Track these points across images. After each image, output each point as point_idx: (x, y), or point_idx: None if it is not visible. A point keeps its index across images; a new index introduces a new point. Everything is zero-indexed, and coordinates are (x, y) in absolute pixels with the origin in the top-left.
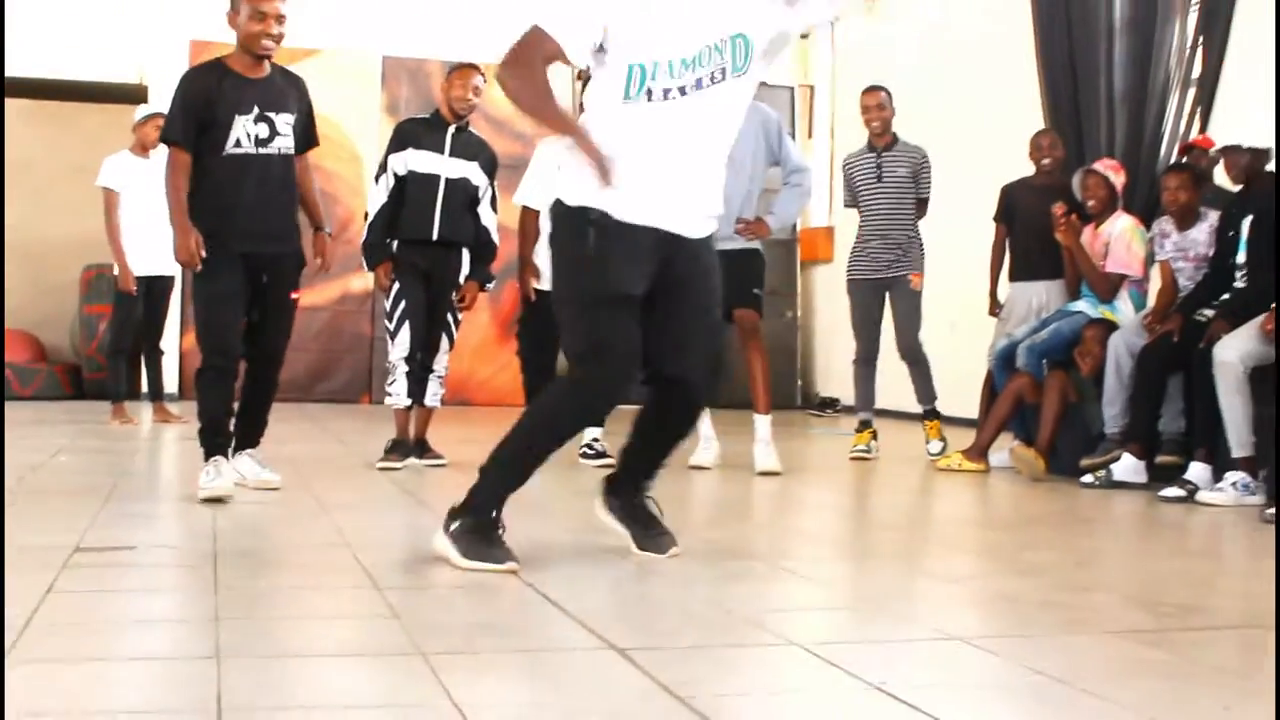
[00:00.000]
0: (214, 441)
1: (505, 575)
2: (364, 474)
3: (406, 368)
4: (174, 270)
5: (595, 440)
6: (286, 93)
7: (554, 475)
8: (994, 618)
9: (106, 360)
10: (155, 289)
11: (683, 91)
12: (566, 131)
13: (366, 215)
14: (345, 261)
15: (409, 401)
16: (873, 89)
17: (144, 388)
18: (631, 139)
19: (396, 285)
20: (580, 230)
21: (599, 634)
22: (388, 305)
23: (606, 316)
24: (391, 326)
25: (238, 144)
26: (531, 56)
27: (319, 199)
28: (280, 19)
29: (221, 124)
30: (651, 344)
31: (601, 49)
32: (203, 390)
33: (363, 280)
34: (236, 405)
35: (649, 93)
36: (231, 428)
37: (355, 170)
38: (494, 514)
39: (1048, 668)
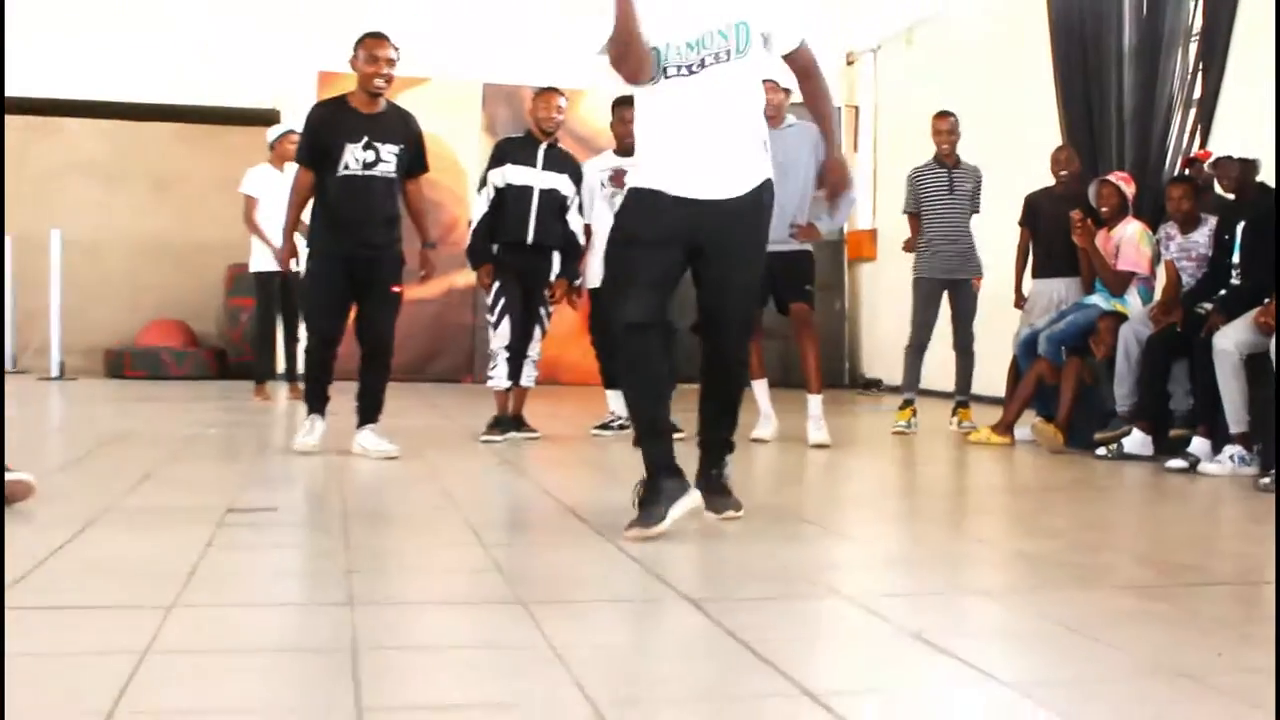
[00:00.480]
0: (311, 403)
1: (595, 535)
2: (468, 445)
3: (506, 354)
4: (300, 267)
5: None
6: (395, 126)
7: (629, 448)
8: (1015, 574)
9: (251, 345)
10: (287, 284)
11: (690, 70)
12: None
13: (470, 223)
14: (451, 260)
15: (509, 384)
16: (944, 114)
17: (280, 369)
18: (654, 115)
19: (497, 284)
20: (623, 202)
21: (673, 586)
22: (489, 301)
23: (624, 256)
24: (493, 319)
25: (346, 167)
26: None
27: (427, 216)
28: (390, 63)
29: (335, 150)
30: (700, 305)
31: None
32: (306, 363)
33: (466, 276)
34: (357, 388)
35: (664, 70)
36: (328, 394)
37: (459, 182)
38: (654, 473)
39: (1062, 617)
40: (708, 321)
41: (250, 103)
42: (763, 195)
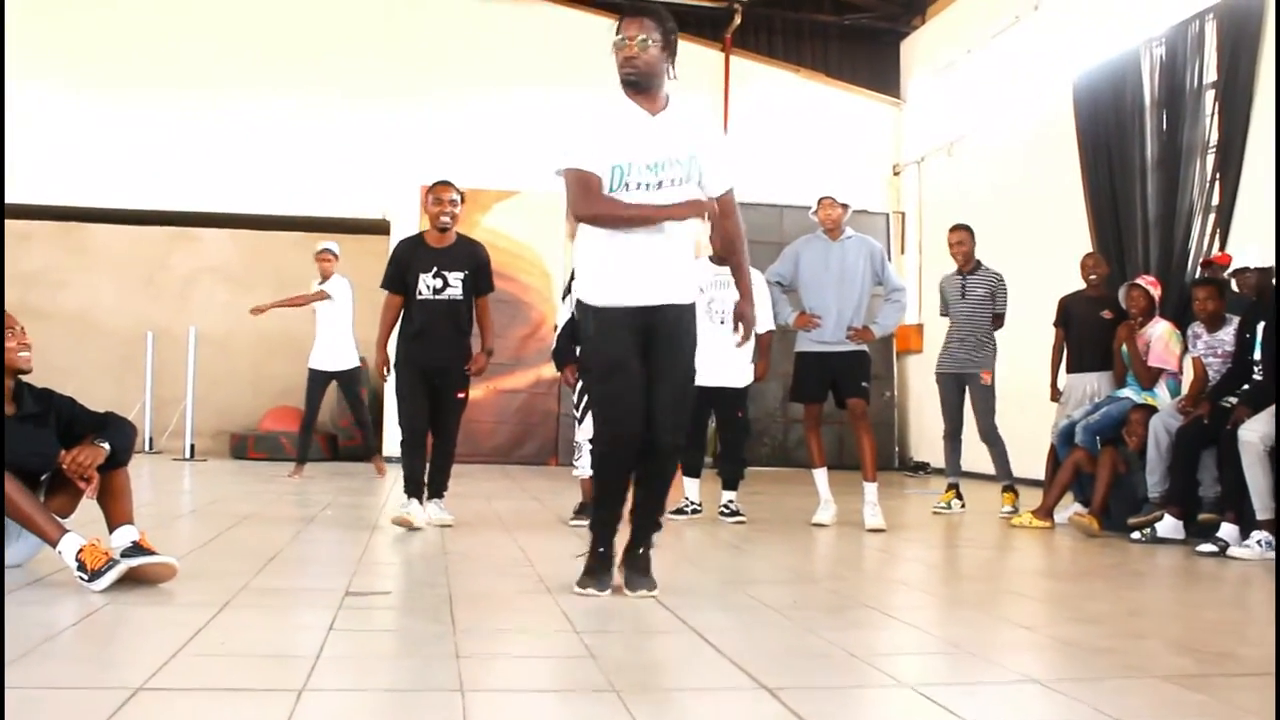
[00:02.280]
0: (408, 489)
1: (674, 619)
2: (557, 528)
3: (590, 446)
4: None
5: (730, 502)
6: (461, 256)
7: (702, 530)
8: (1062, 662)
9: (359, 429)
10: (350, 376)
11: (648, 187)
12: (659, 216)
13: (555, 327)
14: (538, 355)
15: (592, 472)
16: (954, 228)
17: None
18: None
19: (581, 382)
20: (584, 318)
21: (752, 675)
22: (574, 396)
23: (604, 384)
24: (578, 413)
25: (421, 293)
26: (587, 194)
27: (491, 328)
28: (453, 203)
29: (412, 279)
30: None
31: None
32: (402, 455)
33: (551, 369)
34: (428, 467)
35: (626, 185)
36: (423, 481)
37: (546, 284)
38: (600, 550)
39: (1109, 709)
40: (654, 407)
41: (361, 213)
42: (693, 308)
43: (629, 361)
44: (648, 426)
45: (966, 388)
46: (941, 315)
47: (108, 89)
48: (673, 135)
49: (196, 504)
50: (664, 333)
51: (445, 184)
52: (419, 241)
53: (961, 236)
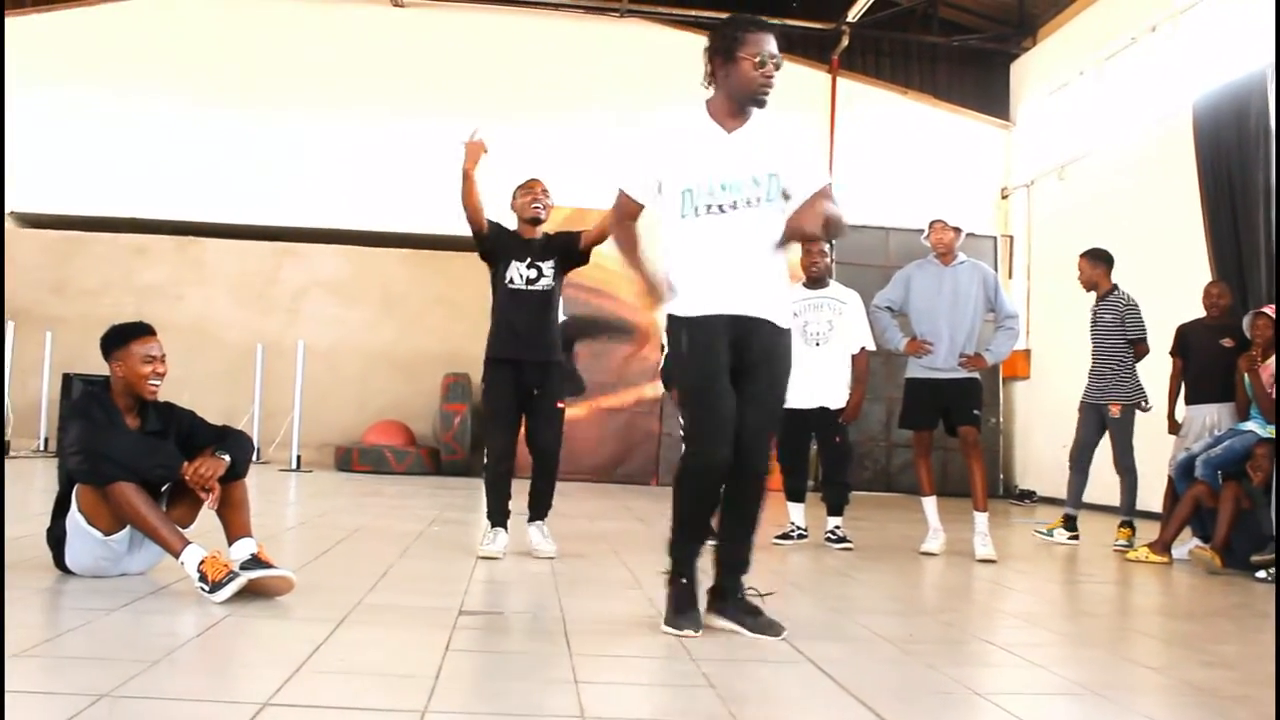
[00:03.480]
0: (493, 516)
1: (790, 649)
2: (662, 551)
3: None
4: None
5: (837, 528)
6: (549, 247)
7: (808, 556)
8: (1195, 709)
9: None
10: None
11: (721, 209)
12: (634, 268)
13: (663, 347)
14: (640, 373)
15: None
16: (1082, 255)
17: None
18: (690, 247)
19: None
20: (675, 332)
21: (876, 711)
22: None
23: (698, 402)
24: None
25: (511, 281)
26: (619, 218)
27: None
28: (545, 193)
29: (503, 264)
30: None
31: (660, 189)
32: (486, 482)
33: (654, 388)
34: (529, 488)
35: (696, 210)
36: (509, 509)
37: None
38: (684, 579)
39: None
40: (741, 430)
41: (464, 231)
42: (789, 333)
43: (720, 379)
44: (736, 449)
45: (1104, 419)
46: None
47: (224, 108)
48: (750, 153)
49: (306, 516)
50: (758, 352)
51: (533, 179)
52: (512, 232)
53: (1081, 265)
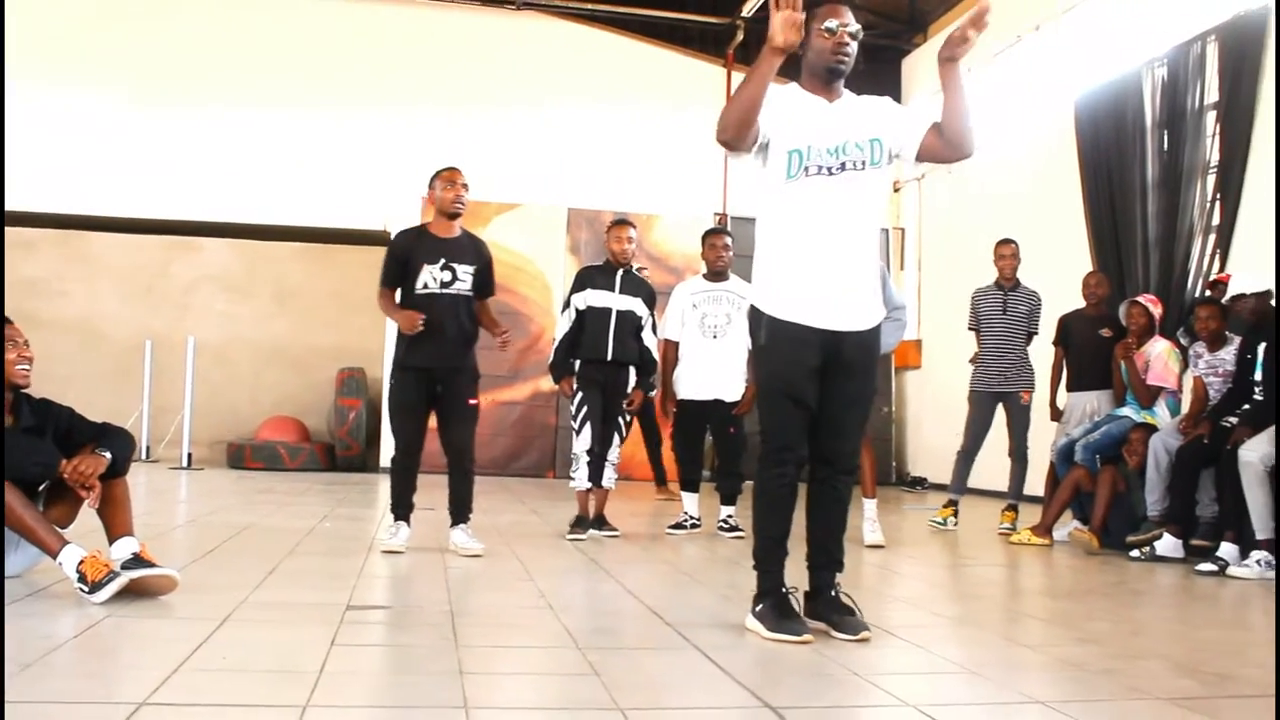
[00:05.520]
0: (396, 510)
1: (678, 637)
2: (555, 542)
3: (588, 458)
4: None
5: (729, 517)
6: (468, 250)
7: (700, 545)
8: (1066, 683)
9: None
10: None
11: (829, 171)
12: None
13: (553, 340)
14: (536, 367)
15: (589, 485)
16: (1006, 241)
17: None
18: (794, 213)
19: (580, 394)
20: (756, 326)
21: (756, 693)
22: (573, 409)
23: (774, 407)
24: (576, 425)
25: (426, 286)
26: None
27: (495, 319)
28: (465, 187)
29: (413, 270)
30: (823, 418)
31: (764, 148)
32: (391, 475)
33: (549, 381)
34: (448, 493)
35: (805, 170)
36: (412, 502)
37: (545, 296)
38: (783, 589)
39: None
40: (828, 433)
41: (361, 224)
42: (878, 330)
43: (801, 385)
44: (824, 450)
45: (1001, 406)
46: (970, 329)
47: (109, 98)
48: (852, 120)
49: (194, 514)
50: (850, 357)
51: (455, 169)
52: (422, 232)
53: (1014, 249)
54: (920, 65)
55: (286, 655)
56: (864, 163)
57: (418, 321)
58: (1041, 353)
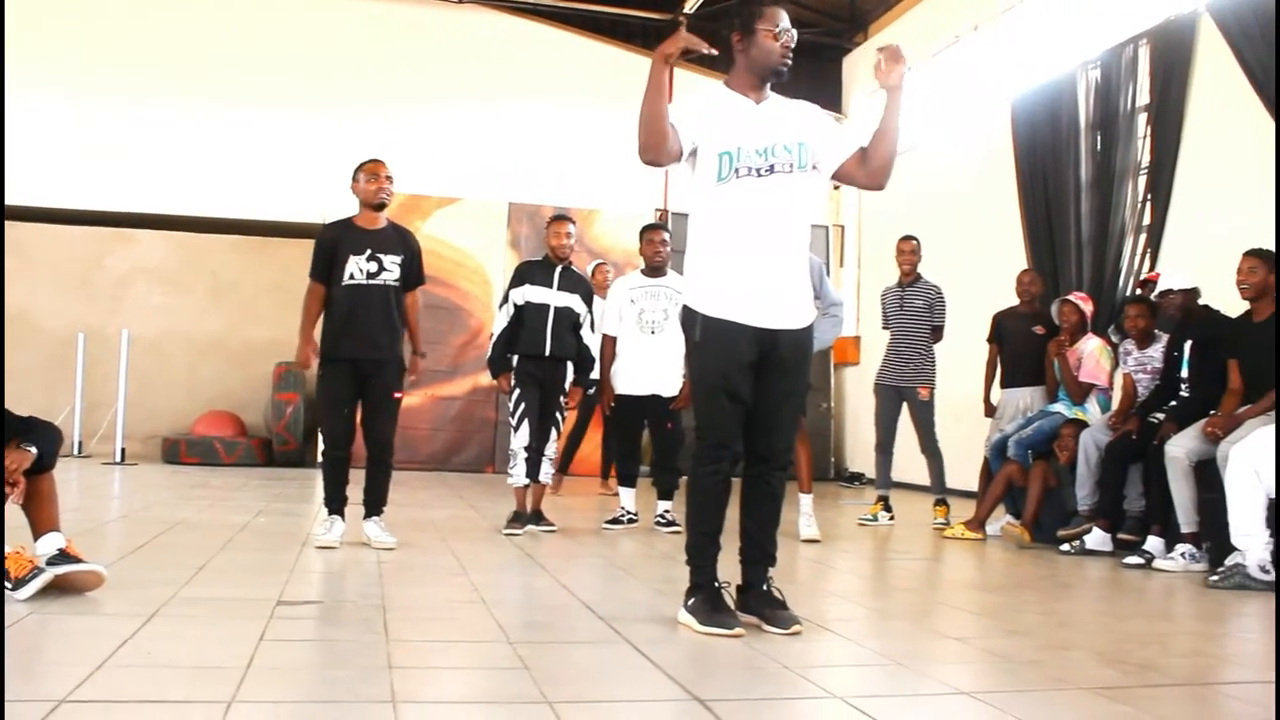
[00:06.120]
0: (330, 505)
1: (609, 630)
2: (492, 537)
3: (525, 454)
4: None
5: (666, 512)
6: (394, 240)
7: (637, 540)
8: (991, 674)
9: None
10: None
11: (759, 173)
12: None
13: (491, 335)
14: (475, 362)
15: (527, 481)
16: (906, 238)
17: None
18: (724, 213)
19: (517, 390)
20: (690, 324)
21: (685, 686)
22: (510, 405)
23: (710, 403)
24: (513, 421)
25: (352, 277)
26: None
27: (419, 327)
28: (390, 179)
29: (339, 262)
30: (757, 414)
31: (693, 155)
32: (323, 469)
33: (488, 377)
34: (364, 484)
35: (736, 171)
36: (345, 495)
37: (486, 291)
38: (715, 584)
39: None
40: (762, 429)
41: (297, 217)
42: (811, 330)
43: (736, 381)
44: (758, 446)
45: (905, 401)
46: (883, 328)
47: (44, 88)
48: (780, 122)
49: (127, 509)
50: (784, 355)
51: (379, 161)
52: (348, 224)
53: (913, 245)
54: (860, 64)
55: (213, 651)
56: (791, 165)
57: (310, 362)
58: (974, 349)
